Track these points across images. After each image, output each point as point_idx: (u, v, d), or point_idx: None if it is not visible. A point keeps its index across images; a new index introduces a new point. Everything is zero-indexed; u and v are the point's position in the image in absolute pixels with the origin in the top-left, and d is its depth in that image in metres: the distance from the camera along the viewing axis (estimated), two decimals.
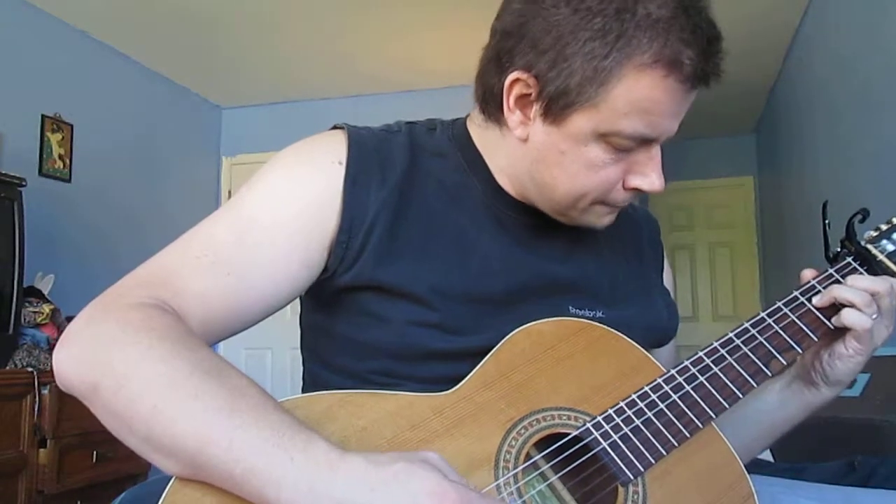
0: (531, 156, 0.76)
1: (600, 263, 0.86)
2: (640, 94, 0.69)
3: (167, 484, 0.59)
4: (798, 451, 1.31)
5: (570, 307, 0.80)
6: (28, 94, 3.15)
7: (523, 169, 0.78)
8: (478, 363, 0.72)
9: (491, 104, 0.78)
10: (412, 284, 0.74)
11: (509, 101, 0.75)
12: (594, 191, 0.75)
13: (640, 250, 0.94)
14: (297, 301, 0.85)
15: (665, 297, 0.92)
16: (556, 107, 0.72)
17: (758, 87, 4.20)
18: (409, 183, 0.79)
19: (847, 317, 0.76)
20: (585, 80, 0.69)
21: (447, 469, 0.58)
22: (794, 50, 3.64)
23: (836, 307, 0.78)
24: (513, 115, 0.76)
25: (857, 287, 0.77)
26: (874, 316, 0.77)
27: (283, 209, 0.74)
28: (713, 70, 0.71)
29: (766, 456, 1.38)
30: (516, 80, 0.73)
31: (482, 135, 0.83)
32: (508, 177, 0.82)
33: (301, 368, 0.87)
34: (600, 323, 0.78)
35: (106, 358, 0.62)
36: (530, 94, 0.73)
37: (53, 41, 3.29)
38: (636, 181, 0.75)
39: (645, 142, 0.73)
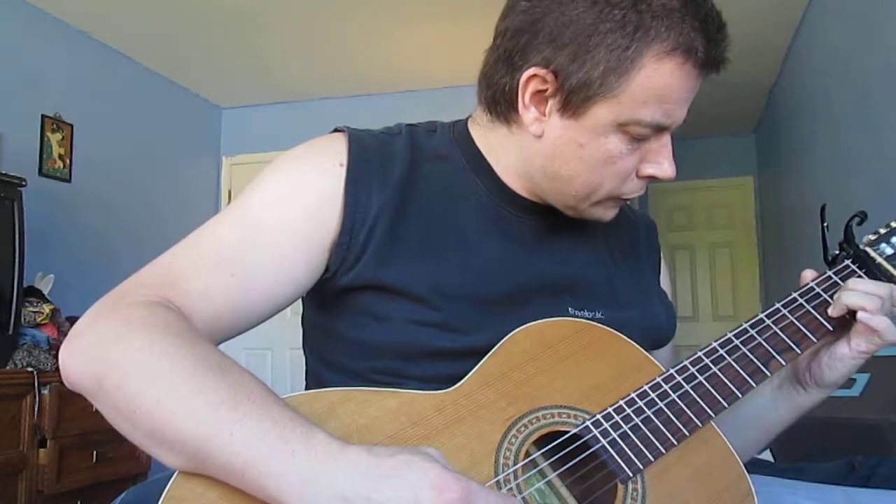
0: (546, 151, 0.77)
1: (600, 265, 0.87)
2: (659, 82, 0.71)
3: (168, 483, 0.59)
4: (798, 451, 1.31)
5: (570, 308, 0.80)
6: (28, 94, 3.15)
7: (536, 165, 0.79)
8: (479, 362, 0.72)
9: (501, 103, 0.79)
10: (413, 284, 0.75)
11: (524, 98, 0.76)
12: (610, 181, 0.77)
13: (637, 252, 0.94)
14: (298, 301, 0.85)
15: (663, 298, 0.92)
16: (576, 99, 0.73)
17: (758, 87, 4.20)
18: (410, 184, 0.79)
19: (870, 320, 0.75)
20: (609, 70, 0.71)
21: (446, 466, 0.58)
22: (794, 50, 3.64)
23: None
24: (528, 112, 0.76)
25: (862, 290, 0.76)
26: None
27: (285, 210, 0.75)
28: (722, 57, 0.74)
29: (766, 456, 1.38)
30: (532, 77, 0.74)
31: (488, 135, 0.83)
32: (518, 174, 0.82)
33: (301, 368, 0.87)
34: (600, 324, 0.78)
35: (110, 354, 0.62)
36: (546, 90, 0.74)
37: (53, 41, 3.30)
38: (650, 169, 0.77)
39: (658, 130, 0.75)
